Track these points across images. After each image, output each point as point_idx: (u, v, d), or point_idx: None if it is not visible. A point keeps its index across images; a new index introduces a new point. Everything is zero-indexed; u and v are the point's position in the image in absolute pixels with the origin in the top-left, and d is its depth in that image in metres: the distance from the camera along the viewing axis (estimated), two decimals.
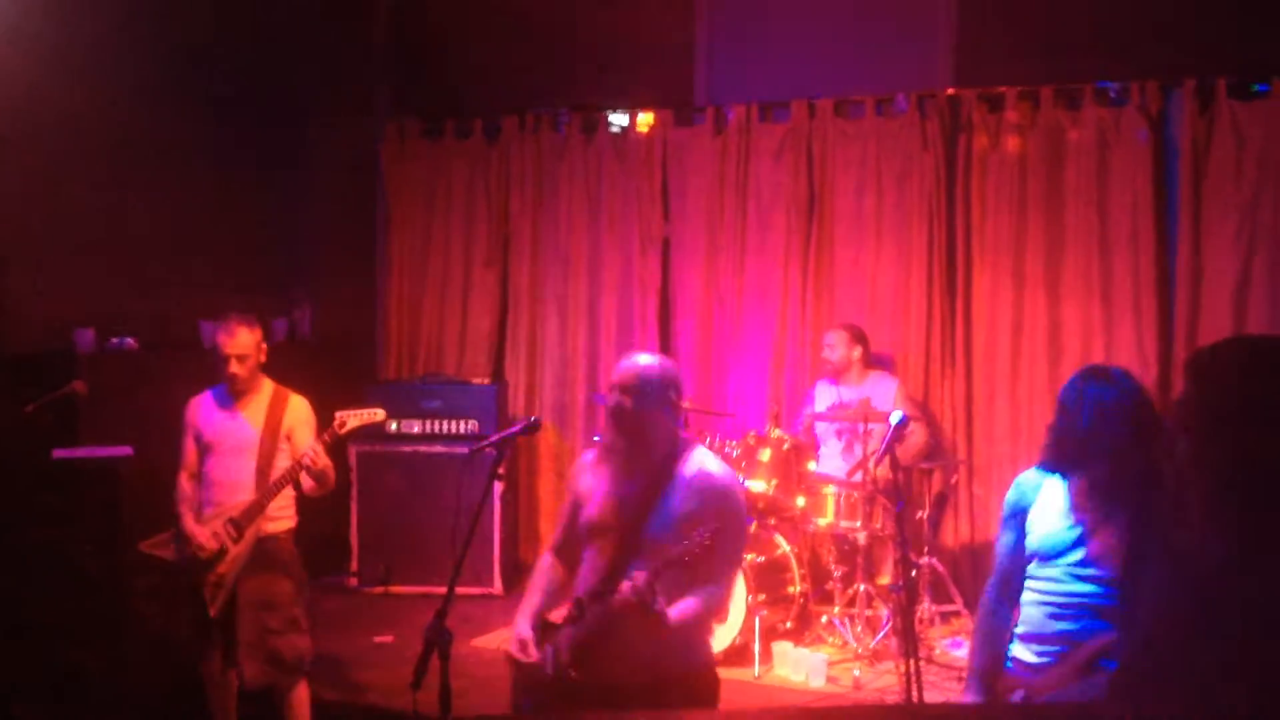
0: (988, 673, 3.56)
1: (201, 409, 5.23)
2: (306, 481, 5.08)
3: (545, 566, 3.98)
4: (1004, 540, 3.62)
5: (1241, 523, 2.03)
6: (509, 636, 3.76)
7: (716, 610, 3.74)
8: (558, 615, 3.79)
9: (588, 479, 3.86)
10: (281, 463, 5.08)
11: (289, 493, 5.19)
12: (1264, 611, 1.93)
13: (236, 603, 5.06)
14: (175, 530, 5.13)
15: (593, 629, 3.56)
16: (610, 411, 3.74)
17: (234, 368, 5.08)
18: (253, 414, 5.16)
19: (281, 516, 5.20)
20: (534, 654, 3.65)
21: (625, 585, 3.40)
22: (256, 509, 5.04)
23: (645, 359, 3.82)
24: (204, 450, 5.17)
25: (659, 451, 3.72)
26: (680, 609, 3.49)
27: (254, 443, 5.10)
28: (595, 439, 3.77)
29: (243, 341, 5.08)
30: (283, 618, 5.10)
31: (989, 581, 3.68)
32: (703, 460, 3.75)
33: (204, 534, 5.03)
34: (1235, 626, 1.94)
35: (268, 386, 5.24)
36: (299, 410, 5.21)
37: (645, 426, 3.70)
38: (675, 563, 3.43)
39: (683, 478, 3.68)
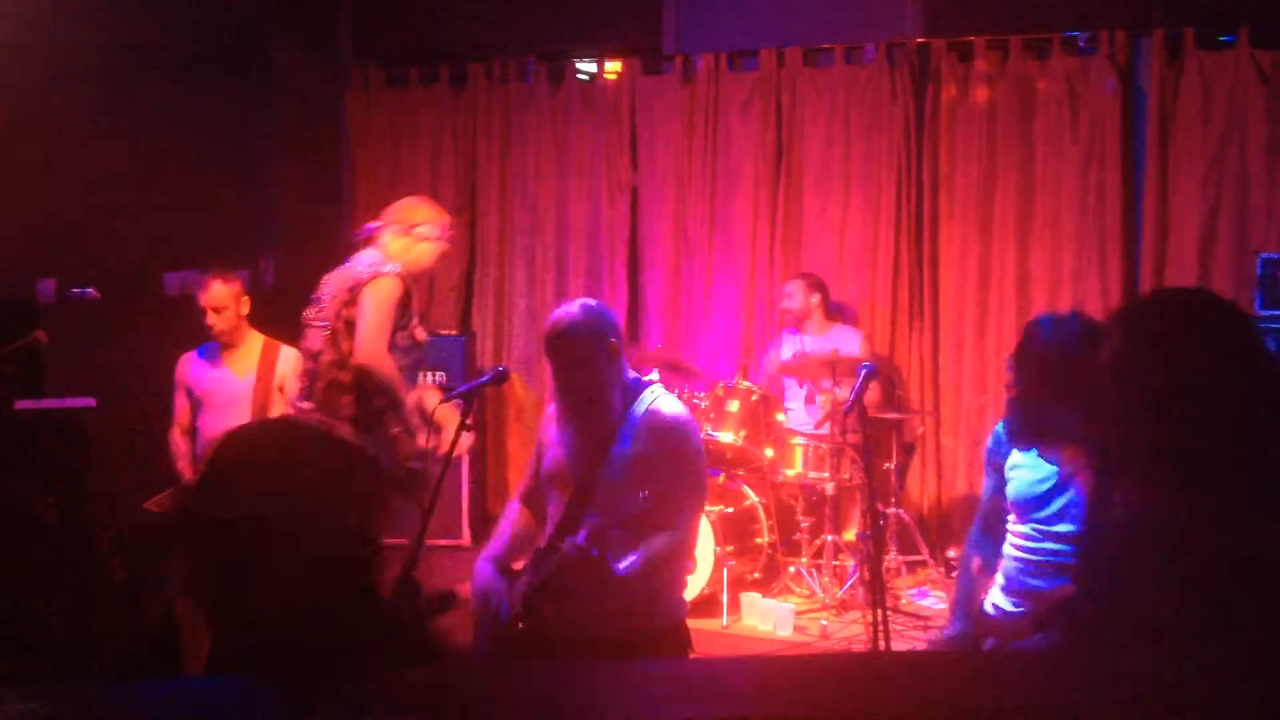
0: (967, 603, 3.67)
1: (191, 365, 5.29)
2: None
3: (512, 513, 3.91)
4: (986, 483, 3.71)
5: (1177, 478, 2.03)
6: (472, 578, 3.69)
7: (673, 558, 3.62)
8: (520, 564, 3.76)
9: (552, 428, 3.79)
10: (276, 413, 5.09)
11: None
12: (1193, 565, 1.93)
13: None
14: (175, 487, 5.14)
15: (539, 583, 3.49)
16: (559, 389, 3.64)
17: (210, 319, 5.16)
18: (243, 368, 5.21)
19: None
20: (494, 604, 3.56)
21: (567, 542, 3.34)
22: None
23: (570, 314, 3.61)
24: (196, 406, 5.24)
25: (615, 401, 3.63)
26: (630, 561, 3.43)
27: (247, 396, 5.16)
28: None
29: (216, 294, 5.15)
30: None
31: (975, 516, 3.79)
32: (654, 399, 3.66)
33: None
34: (1172, 581, 1.94)
35: (256, 340, 5.30)
36: (291, 361, 5.21)
37: (596, 386, 3.60)
38: (624, 519, 3.40)
39: (634, 420, 3.61)
